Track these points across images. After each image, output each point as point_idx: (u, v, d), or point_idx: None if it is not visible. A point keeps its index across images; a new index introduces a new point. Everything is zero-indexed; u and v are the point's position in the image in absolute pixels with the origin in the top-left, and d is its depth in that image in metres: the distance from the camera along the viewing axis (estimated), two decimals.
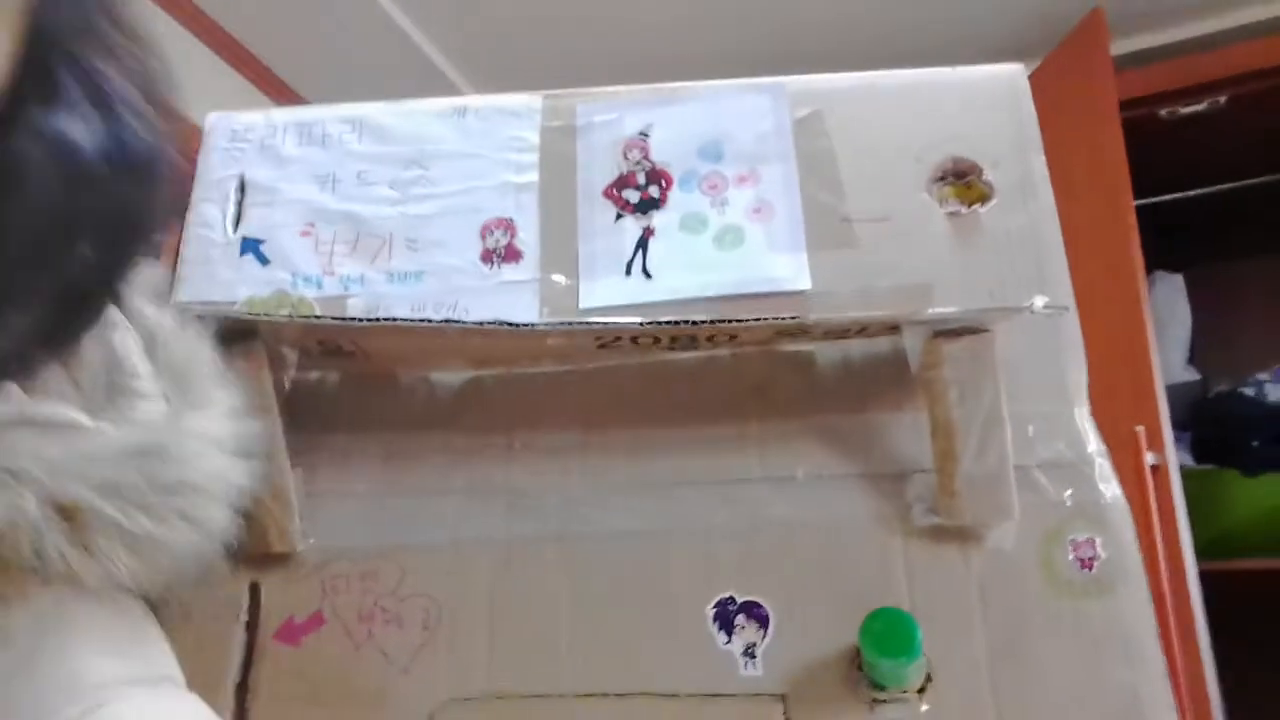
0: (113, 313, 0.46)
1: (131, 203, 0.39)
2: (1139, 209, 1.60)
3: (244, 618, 0.77)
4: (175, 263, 0.87)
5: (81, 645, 0.41)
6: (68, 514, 0.41)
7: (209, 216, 0.88)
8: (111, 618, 0.43)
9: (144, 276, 0.46)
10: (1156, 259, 1.78)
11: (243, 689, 0.75)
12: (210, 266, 0.86)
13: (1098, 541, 0.72)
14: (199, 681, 0.75)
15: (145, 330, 0.49)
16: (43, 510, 0.40)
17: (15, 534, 0.39)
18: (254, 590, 0.78)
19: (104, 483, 0.41)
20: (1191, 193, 1.87)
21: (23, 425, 0.41)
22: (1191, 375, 1.83)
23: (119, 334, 0.47)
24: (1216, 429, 1.73)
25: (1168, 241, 1.78)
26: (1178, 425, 1.65)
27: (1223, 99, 1.74)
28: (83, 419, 0.42)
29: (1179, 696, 1.24)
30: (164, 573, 0.44)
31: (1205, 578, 1.40)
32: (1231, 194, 1.88)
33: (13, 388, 0.41)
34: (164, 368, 0.48)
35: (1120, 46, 1.79)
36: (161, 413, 0.46)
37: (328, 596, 0.77)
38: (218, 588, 0.77)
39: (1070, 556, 0.72)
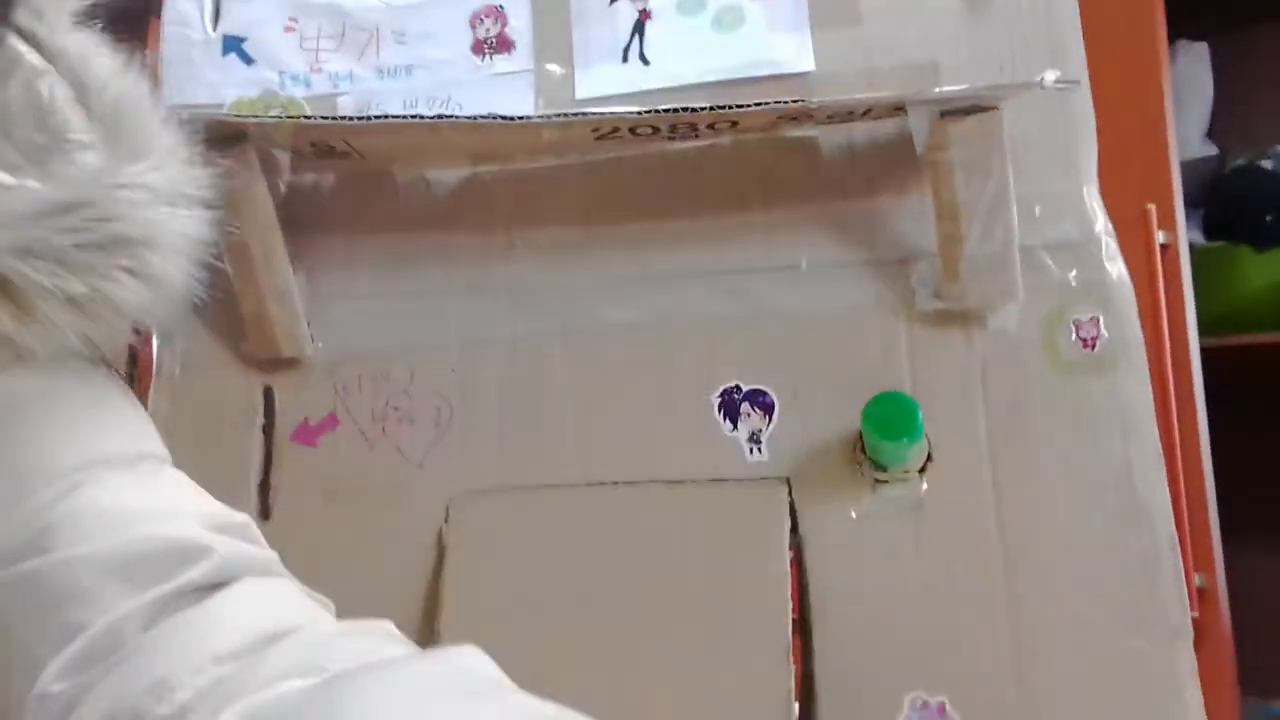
0: (30, 55, 0.43)
1: None
2: None
3: (260, 420, 0.79)
4: (155, 63, 0.84)
5: (50, 425, 0.41)
6: (2, 287, 0.39)
7: (186, 13, 0.84)
8: (76, 392, 0.42)
9: (64, 5, 0.44)
10: (1179, 26, 1.70)
11: (265, 488, 0.78)
12: (192, 67, 0.83)
13: (1101, 320, 0.72)
14: (221, 483, 0.77)
15: (73, 75, 0.45)
16: None
17: None
18: (268, 394, 0.79)
19: (27, 245, 0.40)
20: None
21: None
22: (1209, 149, 1.78)
23: (45, 81, 0.44)
24: (1231, 205, 1.70)
25: (1192, 5, 1.70)
26: (1192, 202, 1.62)
27: None
28: (3, 178, 0.40)
29: (1171, 469, 1.28)
30: (121, 333, 0.43)
31: (1210, 353, 1.41)
32: None
33: None
34: (99, 114, 0.45)
35: None
36: (96, 164, 0.43)
37: (340, 398, 0.79)
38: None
39: (1073, 336, 0.72)
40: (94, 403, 0.43)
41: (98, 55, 0.47)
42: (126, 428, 0.44)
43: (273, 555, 0.44)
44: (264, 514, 0.77)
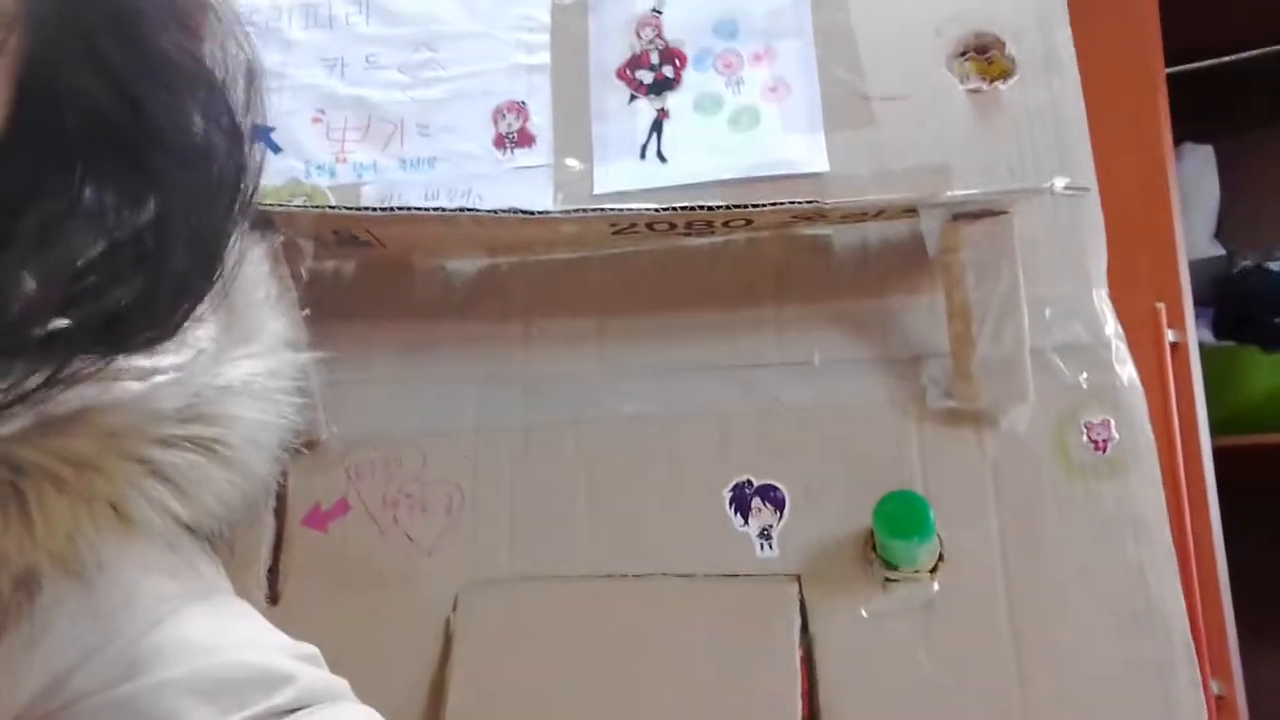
0: None
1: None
2: (1169, 77, 1.55)
3: (271, 504, 0.79)
4: None
5: (134, 568, 0.42)
6: (114, 506, 0.41)
7: None
8: (158, 544, 0.44)
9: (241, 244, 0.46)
10: (1185, 129, 1.73)
11: (273, 573, 0.78)
12: None
13: (1112, 423, 0.72)
14: (231, 567, 0.77)
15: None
16: (90, 510, 0.41)
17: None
18: (280, 478, 0.80)
19: (139, 466, 0.42)
20: (1226, 58, 1.81)
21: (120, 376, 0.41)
22: (1217, 250, 1.79)
23: None
24: (1240, 305, 1.71)
25: (1198, 111, 1.73)
26: (1201, 301, 1.63)
27: None
28: (123, 363, 0.42)
29: (1186, 570, 1.26)
30: (211, 516, 0.44)
31: (1221, 453, 1.40)
32: (1268, 59, 1.81)
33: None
34: (226, 300, 0.46)
35: None
36: (207, 339, 0.45)
37: (353, 483, 0.79)
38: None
39: (1084, 438, 0.72)
40: (176, 552, 0.45)
41: (244, 256, 0.49)
42: (201, 570, 0.45)
43: (344, 683, 0.45)
44: (272, 599, 0.77)
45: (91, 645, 0.40)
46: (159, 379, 0.42)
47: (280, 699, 0.41)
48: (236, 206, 0.41)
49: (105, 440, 0.41)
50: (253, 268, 0.49)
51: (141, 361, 0.42)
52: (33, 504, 0.39)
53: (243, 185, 0.41)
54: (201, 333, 0.45)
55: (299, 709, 0.41)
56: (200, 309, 0.41)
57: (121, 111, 0.36)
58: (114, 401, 0.41)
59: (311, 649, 0.46)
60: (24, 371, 0.37)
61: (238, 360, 0.45)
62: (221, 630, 0.43)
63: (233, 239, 0.41)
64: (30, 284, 0.36)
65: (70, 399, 0.40)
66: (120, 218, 0.37)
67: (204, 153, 0.39)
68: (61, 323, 0.37)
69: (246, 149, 0.41)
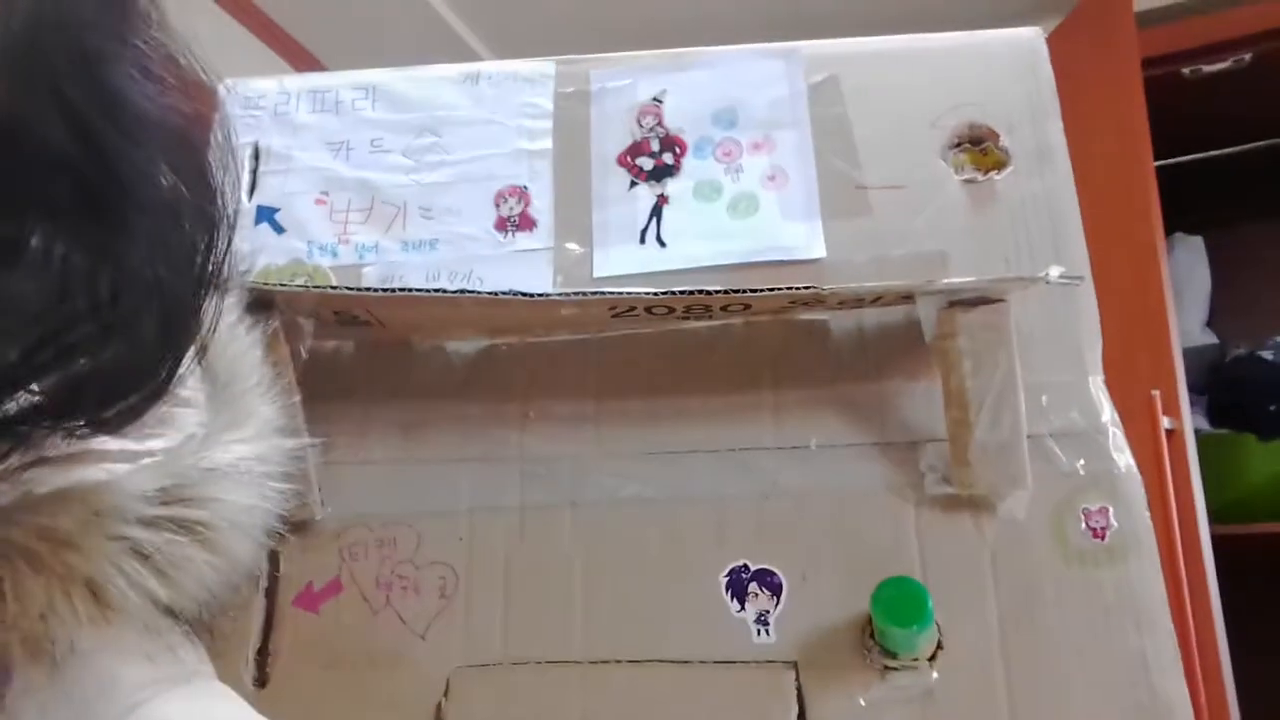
0: None
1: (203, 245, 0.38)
2: (1159, 169, 1.58)
3: (263, 584, 0.78)
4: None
5: (110, 654, 0.42)
6: (90, 586, 0.40)
7: None
8: (135, 628, 0.44)
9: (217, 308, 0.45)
10: (1176, 220, 1.76)
11: (263, 654, 0.76)
12: None
13: (1110, 511, 0.72)
14: (221, 647, 0.76)
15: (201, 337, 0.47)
16: (64, 591, 0.39)
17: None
18: (273, 557, 0.79)
19: (119, 546, 0.40)
20: (1214, 153, 1.85)
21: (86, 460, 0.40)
22: (1210, 338, 1.81)
23: None
24: (1233, 393, 1.72)
25: (1188, 202, 1.76)
26: (1195, 389, 1.64)
27: (1247, 57, 1.71)
28: (111, 446, 0.41)
29: (1189, 660, 1.25)
30: (194, 599, 0.44)
31: (1219, 541, 1.40)
32: (1255, 154, 1.85)
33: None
34: (212, 373, 0.46)
35: (1143, 2, 1.76)
36: (197, 424, 0.44)
37: (345, 563, 0.78)
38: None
39: (1082, 526, 0.72)
40: (154, 637, 0.44)
41: (223, 314, 0.49)
42: (181, 655, 0.45)
43: None
44: (260, 681, 0.76)
45: None
46: (145, 462, 0.42)
47: None
48: (210, 267, 0.39)
49: (87, 519, 0.40)
50: (245, 353, 0.48)
51: (130, 445, 0.42)
52: (6, 584, 0.38)
53: (215, 244, 0.39)
54: (191, 418, 0.44)
55: None
56: (178, 377, 0.40)
57: (84, 157, 0.34)
58: (96, 482, 0.40)
59: None
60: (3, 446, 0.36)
61: (227, 445, 0.45)
62: (200, 714, 0.42)
63: (208, 303, 0.40)
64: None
65: (53, 479, 0.39)
66: (81, 273, 0.35)
67: (172, 207, 0.37)
68: (32, 394, 0.35)
69: (220, 208, 0.40)
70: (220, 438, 0.44)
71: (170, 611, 0.43)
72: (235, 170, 0.41)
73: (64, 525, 0.39)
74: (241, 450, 0.45)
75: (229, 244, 0.40)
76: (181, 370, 0.39)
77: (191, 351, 0.40)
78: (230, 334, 0.48)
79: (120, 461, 0.41)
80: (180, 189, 0.38)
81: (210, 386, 0.46)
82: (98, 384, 0.36)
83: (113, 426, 0.39)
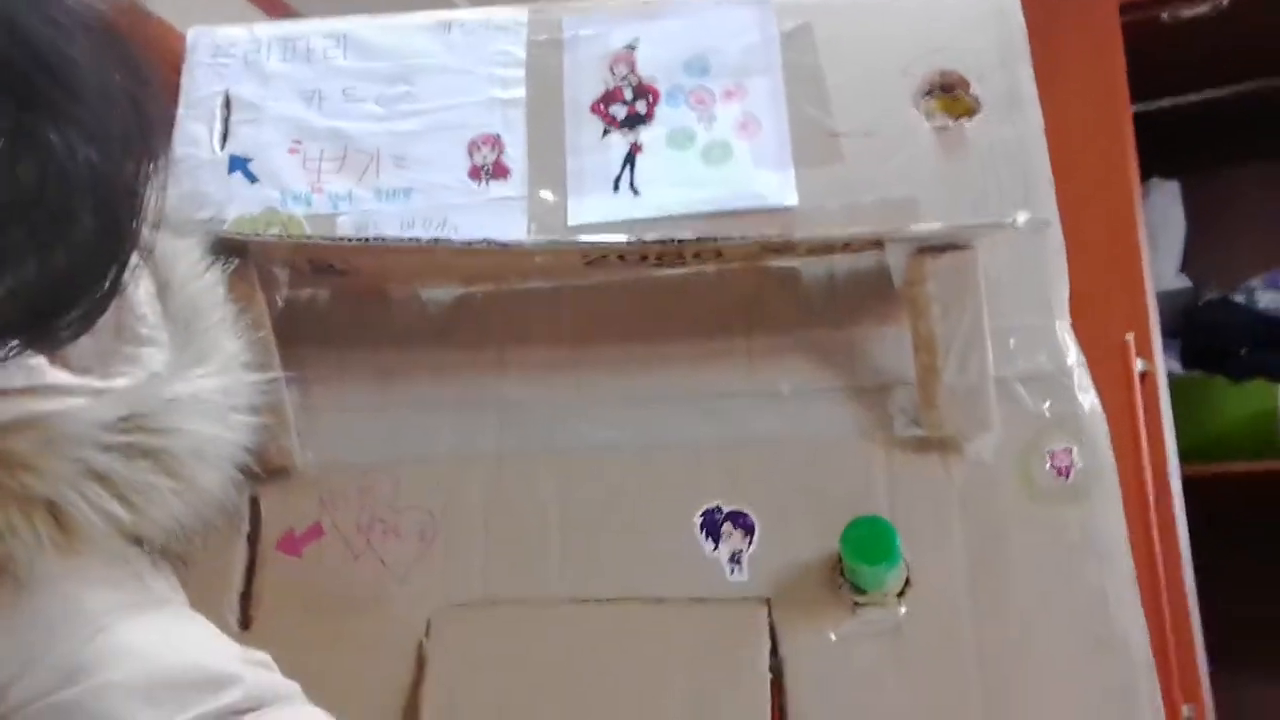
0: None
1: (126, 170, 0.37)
2: (1136, 114, 1.58)
3: (245, 529, 0.79)
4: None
5: (76, 579, 0.43)
6: (50, 508, 0.41)
7: (195, 134, 0.88)
8: (105, 557, 0.44)
9: (163, 204, 0.44)
10: (1153, 165, 1.76)
11: (246, 598, 0.78)
12: (198, 185, 0.86)
13: (1074, 451, 0.74)
14: (204, 591, 0.77)
15: (160, 272, 0.47)
16: (24, 511, 0.40)
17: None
18: (254, 504, 0.80)
19: (79, 468, 0.41)
20: (1190, 97, 1.85)
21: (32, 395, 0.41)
22: (1183, 283, 1.83)
23: (135, 275, 0.45)
24: (1206, 336, 1.74)
25: (1164, 147, 1.77)
26: (1168, 333, 1.66)
27: (1225, 0, 1.71)
28: (70, 398, 0.42)
29: (1155, 597, 1.28)
30: (160, 528, 0.44)
31: (1191, 482, 1.43)
32: (1232, 98, 1.86)
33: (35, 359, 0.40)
34: (173, 312, 0.47)
35: None
36: (161, 363, 0.45)
37: (326, 509, 0.80)
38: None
39: (1047, 466, 0.74)
40: (125, 566, 0.44)
41: (183, 254, 0.49)
42: (152, 585, 0.45)
43: (295, 686, 0.45)
44: (244, 624, 0.77)
45: (30, 656, 0.40)
46: (106, 397, 0.43)
47: (226, 699, 0.41)
48: (146, 159, 0.38)
49: (44, 443, 0.40)
50: (207, 291, 0.49)
51: (92, 382, 0.42)
52: None
53: (150, 138, 0.38)
54: (155, 357, 0.45)
55: (247, 710, 0.41)
56: (122, 285, 0.38)
57: (8, 42, 0.33)
58: (53, 410, 0.41)
59: (263, 655, 0.46)
60: None
61: (189, 379, 0.45)
62: (167, 635, 0.43)
63: (146, 201, 0.38)
64: None
65: (9, 408, 0.40)
66: (4, 157, 0.33)
67: (99, 92, 0.35)
68: None
69: (152, 105, 0.38)
70: (184, 373, 0.45)
71: (137, 540, 0.44)
72: (175, 89, 0.41)
73: (20, 447, 0.40)
74: (204, 384, 0.46)
75: (167, 148, 0.40)
76: (127, 277, 0.38)
77: (138, 263, 0.39)
78: (191, 273, 0.48)
79: (80, 395, 0.42)
80: (110, 78, 0.36)
81: (172, 325, 0.46)
82: (37, 292, 0.35)
83: (62, 341, 0.38)
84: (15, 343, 0.36)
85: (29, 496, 0.40)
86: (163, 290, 0.47)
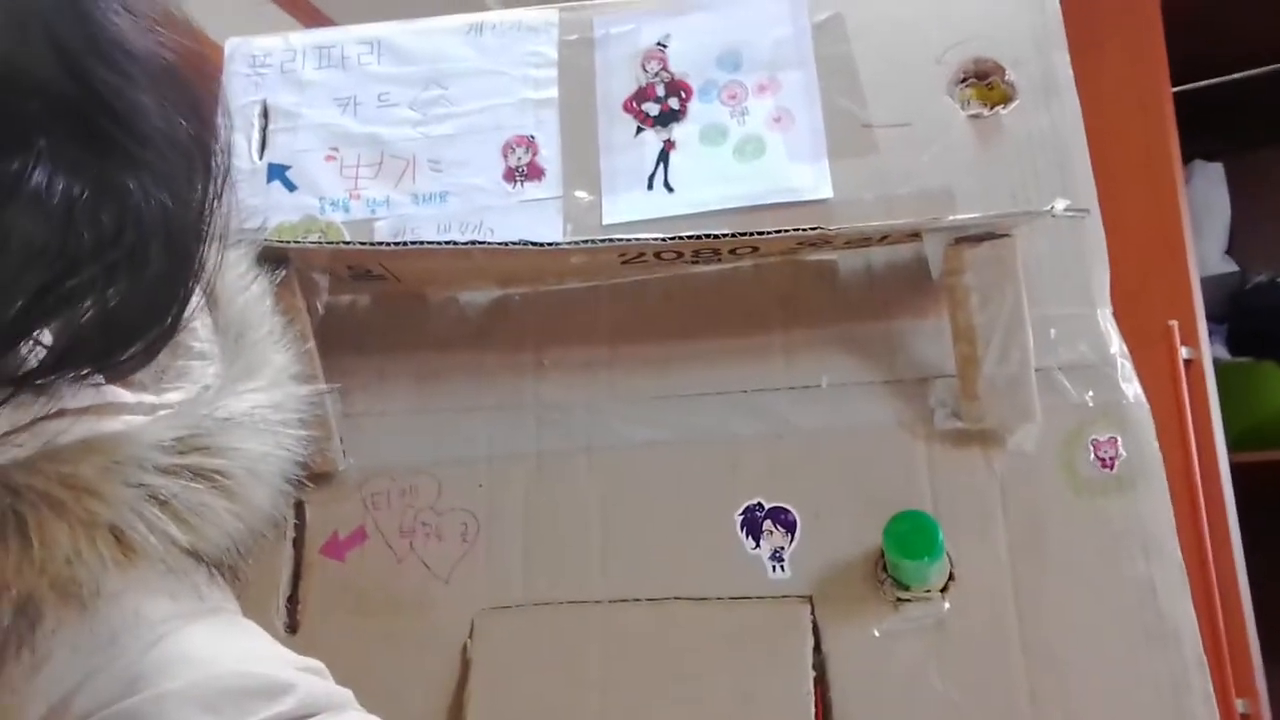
0: None
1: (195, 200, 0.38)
2: (1177, 96, 1.56)
3: (290, 534, 0.80)
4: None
5: (136, 592, 0.43)
6: (114, 532, 0.42)
7: (234, 144, 0.89)
8: (158, 569, 0.45)
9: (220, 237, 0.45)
10: (1195, 147, 1.73)
11: (293, 601, 0.79)
12: (239, 195, 0.87)
13: (1119, 441, 0.73)
14: (252, 596, 0.78)
15: (208, 284, 0.47)
16: (89, 536, 0.41)
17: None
18: (299, 509, 0.81)
19: (141, 492, 0.42)
20: (1234, 76, 1.82)
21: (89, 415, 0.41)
22: (1229, 266, 1.80)
23: None
24: (1253, 320, 1.71)
25: (1207, 129, 1.74)
26: (1214, 318, 1.63)
27: None
28: (130, 399, 0.42)
29: (1206, 587, 1.26)
30: (214, 545, 0.45)
31: (1239, 469, 1.40)
32: (1276, 77, 1.82)
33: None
34: (224, 325, 0.48)
35: None
36: (213, 375, 0.45)
37: (369, 512, 0.80)
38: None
39: (1091, 456, 0.73)
40: (179, 577, 0.45)
41: (232, 266, 0.49)
42: (205, 593, 0.46)
43: (348, 693, 0.46)
44: (291, 628, 0.78)
45: (93, 667, 0.41)
46: (162, 413, 0.43)
47: (282, 707, 0.41)
48: (210, 198, 0.39)
49: (106, 467, 0.41)
50: (255, 303, 0.50)
51: (147, 398, 0.43)
52: (32, 529, 0.40)
53: (214, 176, 0.40)
54: (206, 370, 0.46)
55: (303, 718, 0.42)
56: (186, 318, 0.40)
57: (78, 93, 0.35)
58: (115, 433, 0.42)
59: (317, 663, 0.46)
60: (19, 396, 0.37)
61: (241, 394, 0.46)
62: (223, 644, 0.44)
63: (211, 244, 0.40)
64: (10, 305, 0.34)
65: (74, 429, 0.41)
66: (83, 205, 0.35)
67: (168, 137, 0.37)
68: (46, 338, 0.36)
69: (217, 141, 0.40)
70: (235, 387, 0.46)
71: (193, 554, 0.44)
72: (227, 110, 0.42)
73: (85, 473, 0.41)
74: (256, 399, 0.46)
75: (227, 178, 0.41)
76: (190, 311, 0.40)
77: (199, 293, 0.41)
78: (239, 285, 0.49)
79: (138, 413, 0.42)
80: (176, 120, 0.38)
81: (223, 338, 0.47)
82: (108, 327, 0.37)
83: (126, 371, 0.40)
84: (84, 371, 0.38)
85: (93, 521, 0.41)
86: (212, 304, 0.48)
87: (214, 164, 0.40)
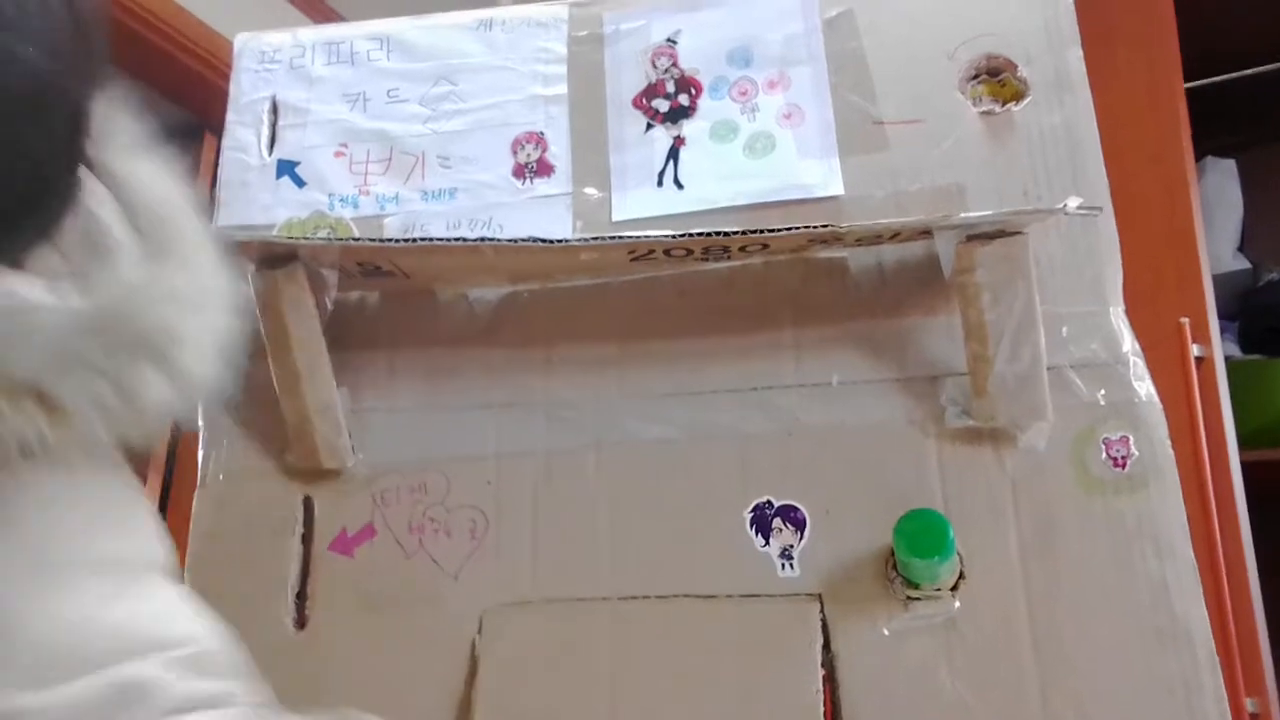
0: (89, 179, 0.46)
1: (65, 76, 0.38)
2: (1189, 92, 1.55)
3: (299, 530, 0.80)
4: (212, 185, 0.89)
5: (67, 521, 0.43)
6: (38, 396, 0.42)
7: (243, 140, 0.89)
8: (100, 497, 0.45)
9: (115, 125, 0.46)
10: (1207, 143, 1.73)
11: (302, 597, 0.79)
12: (247, 190, 0.88)
13: (1131, 440, 0.73)
14: (261, 592, 0.79)
15: (119, 188, 0.48)
16: (10, 398, 0.41)
17: None
18: (307, 505, 0.81)
19: (63, 360, 0.42)
20: (1246, 72, 1.81)
21: None
22: (1241, 264, 1.79)
23: (94, 197, 0.47)
24: (1265, 318, 1.70)
25: (1219, 125, 1.73)
26: (1226, 315, 1.62)
27: None
28: (41, 296, 0.43)
29: (1216, 585, 1.25)
30: (153, 431, 0.45)
31: (1250, 468, 1.40)
32: None
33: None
34: (143, 226, 0.48)
35: None
36: (133, 269, 0.46)
37: (378, 509, 0.80)
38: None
39: (1103, 455, 0.72)
40: (117, 514, 0.45)
41: (152, 180, 0.50)
42: (141, 539, 0.46)
43: (229, 689, 0.45)
44: (299, 623, 0.78)
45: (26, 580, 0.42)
46: (77, 300, 0.43)
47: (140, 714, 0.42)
48: (87, 76, 0.39)
49: (21, 335, 0.41)
50: (171, 193, 0.50)
51: (68, 292, 0.43)
52: None
53: (91, 57, 0.39)
54: (124, 261, 0.46)
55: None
56: (73, 190, 0.40)
57: None
58: (32, 306, 0.42)
59: (213, 645, 0.46)
60: None
61: (159, 277, 0.46)
62: (111, 616, 0.44)
63: (89, 115, 0.40)
64: None
65: None
66: None
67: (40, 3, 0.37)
68: None
69: (92, 23, 0.40)
70: (156, 271, 0.46)
71: (123, 435, 0.44)
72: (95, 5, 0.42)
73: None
74: (178, 280, 0.47)
75: (106, 63, 0.41)
76: (77, 187, 0.40)
77: (97, 175, 0.41)
78: (152, 184, 0.49)
79: (53, 295, 0.42)
80: None
81: (139, 235, 0.47)
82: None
83: (20, 247, 0.40)
84: None
85: (11, 383, 0.41)
86: (130, 211, 0.48)
87: (90, 43, 0.40)
